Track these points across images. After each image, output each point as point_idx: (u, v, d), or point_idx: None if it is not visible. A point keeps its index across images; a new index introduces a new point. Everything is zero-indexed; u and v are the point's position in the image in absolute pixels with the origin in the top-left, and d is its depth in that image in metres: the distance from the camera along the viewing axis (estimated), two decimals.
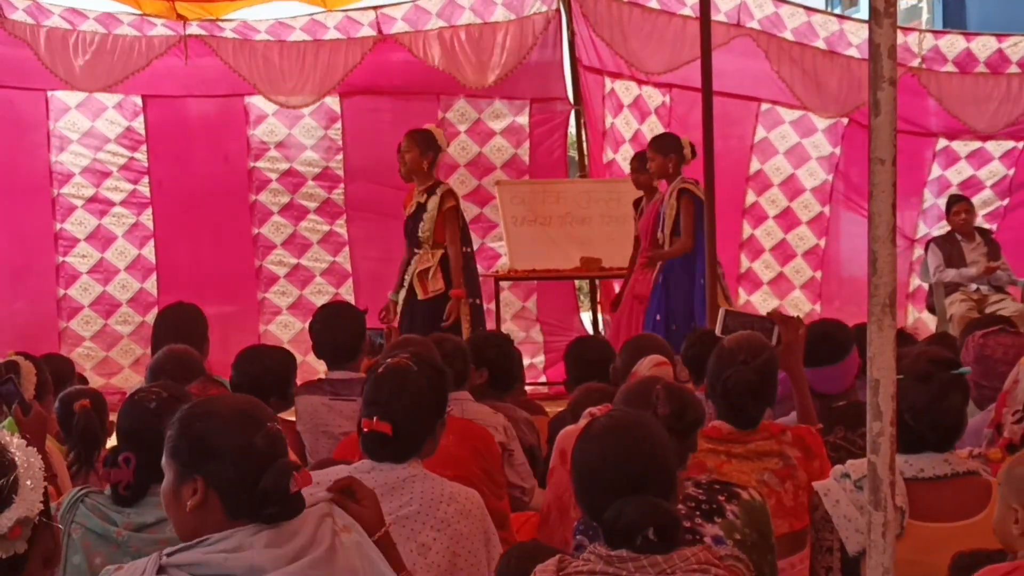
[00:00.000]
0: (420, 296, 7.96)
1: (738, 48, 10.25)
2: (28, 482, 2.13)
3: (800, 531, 3.86)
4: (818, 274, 10.95)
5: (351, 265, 10.14)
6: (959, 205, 10.21)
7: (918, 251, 10.96)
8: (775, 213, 10.86)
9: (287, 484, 2.46)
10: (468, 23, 10.11)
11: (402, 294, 8.05)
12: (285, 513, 2.48)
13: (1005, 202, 11.09)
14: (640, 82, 10.48)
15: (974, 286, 9.94)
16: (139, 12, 9.53)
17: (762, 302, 10.83)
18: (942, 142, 11.02)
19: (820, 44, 10.51)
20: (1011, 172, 11.02)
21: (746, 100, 10.64)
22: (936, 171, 11.06)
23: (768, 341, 4.29)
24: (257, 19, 9.96)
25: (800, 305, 10.88)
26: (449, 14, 10.11)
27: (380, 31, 9.99)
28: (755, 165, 10.81)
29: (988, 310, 9.53)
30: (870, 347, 2.53)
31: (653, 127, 10.44)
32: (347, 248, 10.15)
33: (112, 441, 3.44)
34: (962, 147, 11.03)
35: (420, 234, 7.97)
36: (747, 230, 10.86)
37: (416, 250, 8.02)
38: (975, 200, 10.75)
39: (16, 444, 2.18)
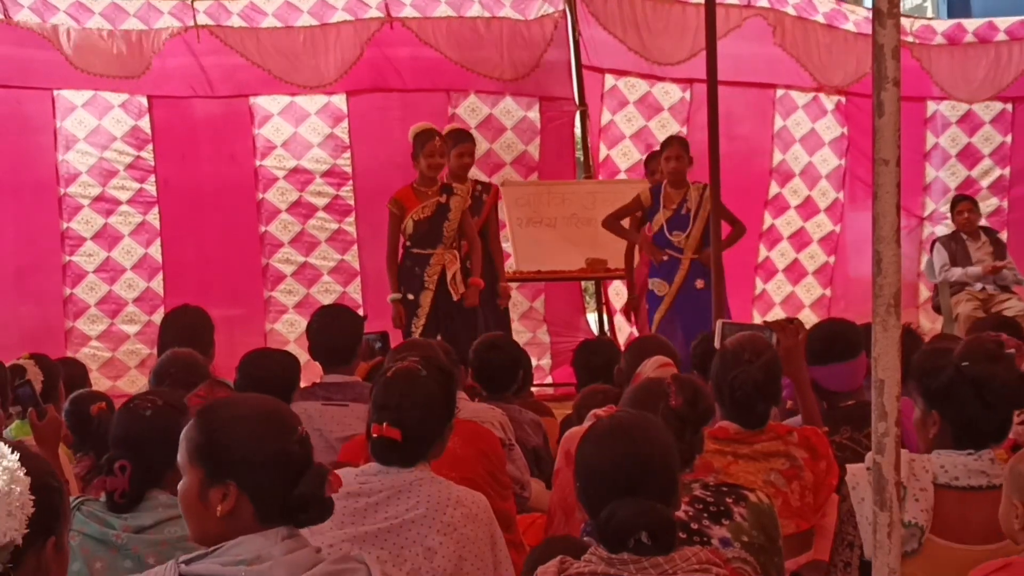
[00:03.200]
0: (455, 298, 7.96)
1: (750, 32, 10.38)
2: (3, 508, 2.10)
3: (806, 532, 3.87)
4: (831, 259, 10.98)
5: (359, 263, 10.12)
6: (963, 204, 10.25)
7: (928, 228, 11.01)
8: (797, 203, 10.95)
9: (323, 489, 2.47)
10: (477, 15, 10.13)
11: (426, 296, 8.03)
12: (319, 517, 2.49)
13: (1006, 171, 11.17)
14: (655, 78, 10.49)
15: (980, 285, 9.95)
16: None
17: (776, 289, 10.90)
18: (931, 107, 11.17)
19: (819, 19, 10.77)
20: (1008, 139, 11.15)
21: (763, 88, 10.76)
22: (931, 139, 11.20)
23: (769, 340, 4.30)
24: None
25: (811, 290, 10.90)
26: (459, 4, 10.12)
27: (389, 14, 9.99)
28: (778, 156, 10.89)
29: (994, 309, 9.54)
30: (875, 347, 2.53)
31: (665, 123, 10.44)
32: (355, 246, 10.12)
33: None
34: (950, 111, 11.18)
35: (445, 233, 7.97)
36: (767, 220, 10.91)
37: (430, 249, 8.02)
38: (976, 172, 10.91)
39: (1, 468, 2.13)
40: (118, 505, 3.10)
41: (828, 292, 10.96)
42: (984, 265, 9.93)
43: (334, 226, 10.11)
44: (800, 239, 10.98)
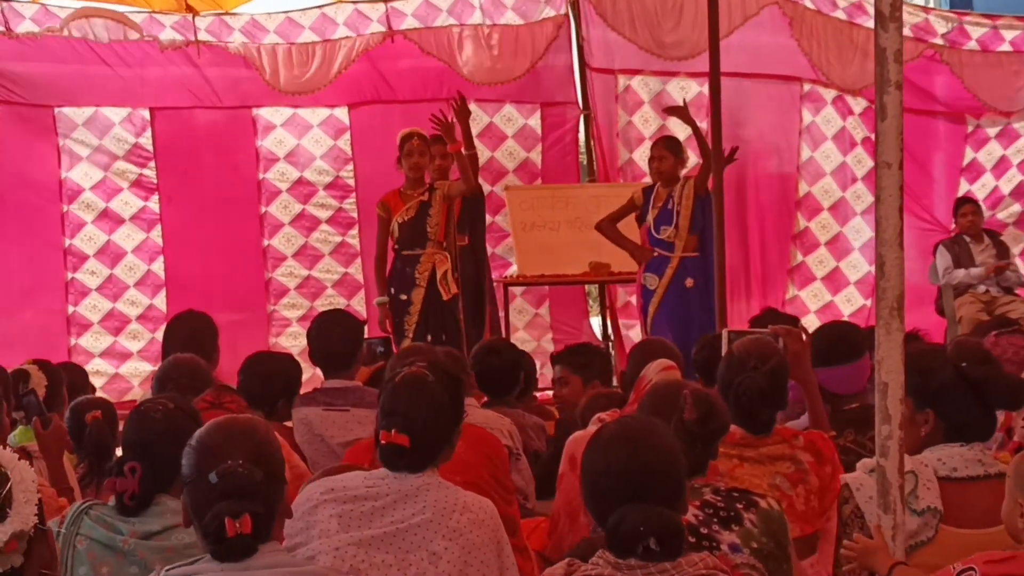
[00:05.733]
0: (445, 298, 7.97)
1: (770, 23, 10.26)
2: (22, 496, 2.15)
3: (811, 535, 3.87)
4: (873, 268, 10.77)
5: (363, 276, 10.10)
6: (966, 207, 10.22)
7: None
8: (829, 204, 10.76)
9: (220, 527, 2.45)
10: (477, 23, 10.14)
11: (418, 293, 8.02)
12: (225, 555, 2.49)
13: None
14: (669, 74, 10.43)
15: (983, 288, 9.93)
16: (148, 10, 9.57)
17: (813, 297, 10.74)
18: (972, 123, 10.99)
19: (840, 15, 10.50)
20: None
21: (787, 80, 10.60)
22: (969, 155, 11.03)
23: (776, 345, 4.28)
24: (267, 12, 9.96)
25: (852, 300, 10.75)
26: (459, 12, 10.12)
27: (390, 26, 10.00)
28: (806, 152, 10.71)
29: (998, 312, 9.51)
30: (878, 350, 2.54)
31: None
32: (359, 259, 10.12)
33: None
34: (991, 127, 11.01)
35: (429, 229, 7.99)
36: (801, 222, 10.77)
37: (419, 249, 8.02)
38: (1003, 181, 10.77)
39: (7, 458, 2.19)
40: (127, 508, 3.11)
41: (869, 303, 10.61)
42: (987, 265, 9.92)
43: (337, 239, 10.12)
44: (840, 246, 10.76)
